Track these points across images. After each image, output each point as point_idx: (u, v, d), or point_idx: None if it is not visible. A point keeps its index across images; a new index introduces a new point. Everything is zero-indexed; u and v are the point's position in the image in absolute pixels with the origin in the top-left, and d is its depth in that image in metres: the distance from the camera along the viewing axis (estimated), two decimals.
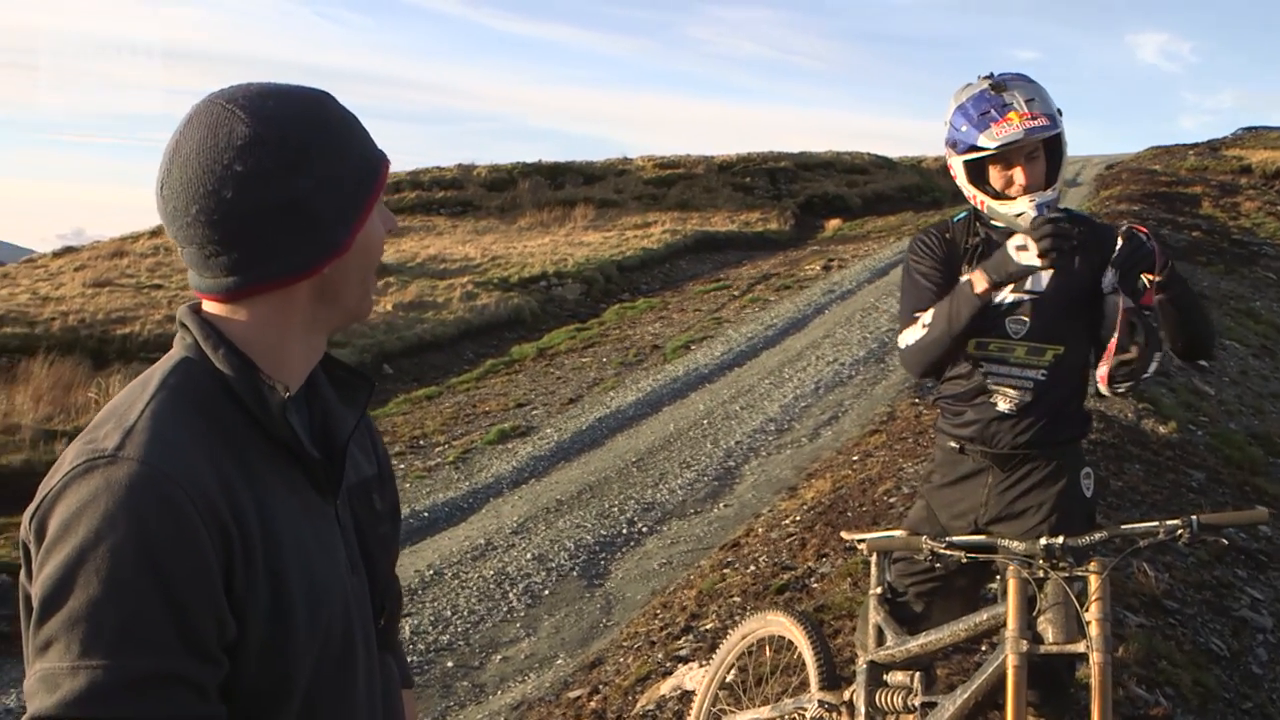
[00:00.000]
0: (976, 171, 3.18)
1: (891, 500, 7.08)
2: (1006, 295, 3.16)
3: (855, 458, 8.97)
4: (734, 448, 10.38)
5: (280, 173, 1.38)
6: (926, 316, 3.14)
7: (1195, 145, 54.14)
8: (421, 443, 11.66)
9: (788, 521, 7.50)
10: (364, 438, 1.73)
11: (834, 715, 3.24)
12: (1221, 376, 13.48)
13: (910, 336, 3.19)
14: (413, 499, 9.53)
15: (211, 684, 1.30)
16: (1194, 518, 2.60)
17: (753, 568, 6.66)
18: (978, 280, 3.00)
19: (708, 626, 5.77)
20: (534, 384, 14.37)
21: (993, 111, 3.07)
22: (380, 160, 1.54)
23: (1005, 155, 3.09)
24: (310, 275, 1.44)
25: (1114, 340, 2.90)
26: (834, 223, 32.79)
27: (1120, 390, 2.95)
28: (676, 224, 29.90)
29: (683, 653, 5.47)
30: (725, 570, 6.83)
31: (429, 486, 9.93)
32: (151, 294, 19.56)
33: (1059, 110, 3.15)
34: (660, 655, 5.56)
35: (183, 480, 1.29)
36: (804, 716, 3.37)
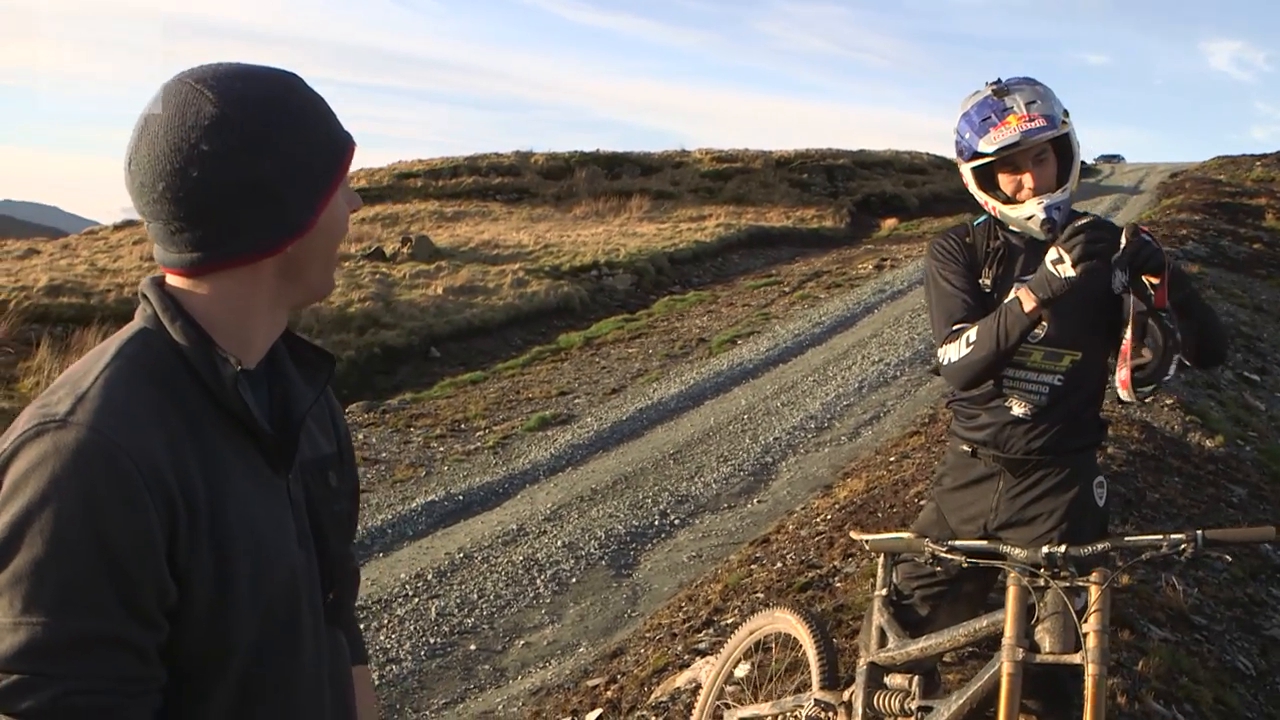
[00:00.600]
0: (986, 178, 3.16)
1: (923, 503, 7.02)
2: None
3: (892, 459, 8.92)
4: (772, 444, 10.35)
5: (246, 153, 1.40)
6: (972, 334, 3.08)
7: (1263, 156, 53.33)
8: (463, 427, 11.71)
9: (819, 520, 7.47)
10: (324, 416, 1.74)
11: (831, 715, 3.22)
12: (1275, 391, 13.28)
13: (954, 353, 3.14)
14: (449, 482, 9.58)
15: (151, 647, 1.32)
16: (1199, 532, 2.56)
17: (779, 565, 6.64)
18: (1026, 299, 2.96)
19: (728, 621, 5.76)
20: (579, 373, 14.40)
21: (993, 116, 3.06)
22: (346, 142, 1.55)
23: (1013, 160, 3.07)
24: (273, 254, 1.46)
25: (1127, 343, 2.87)
26: (890, 222, 32.66)
27: (1143, 394, 2.91)
28: (731, 218, 29.88)
29: (701, 646, 5.46)
30: (752, 566, 6.81)
31: (466, 470, 9.97)
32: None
33: (1066, 112, 3.11)
34: (679, 648, 5.56)
35: (130, 448, 1.31)
36: (801, 714, 3.35)
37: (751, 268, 24.53)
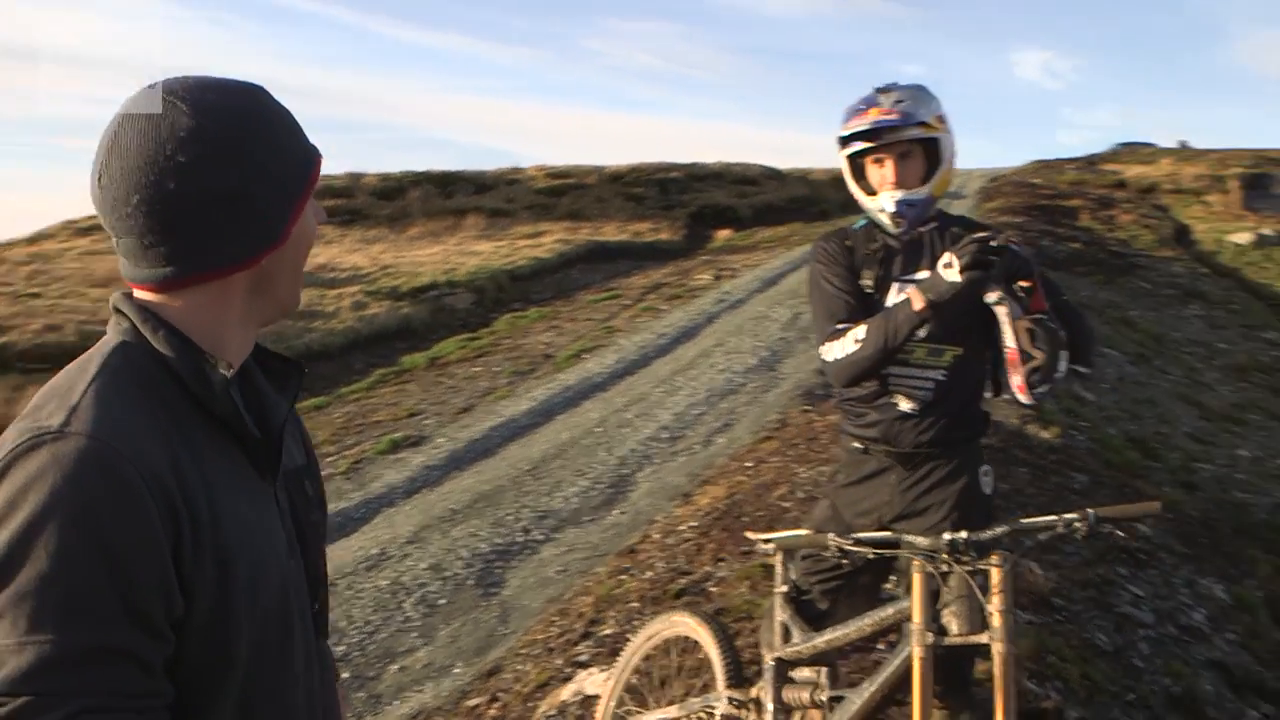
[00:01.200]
0: (858, 168, 3.28)
1: (786, 505, 7.15)
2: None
3: (749, 464, 9.05)
4: (628, 455, 10.40)
5: (222, 164, 1.41)
6: (860, 331, 3.17)
7: (1074, 160, 55.76)
8: None
9: (684, 527, 7.54)
10: (294, 428, 1.79)
11: (743, 712, 3.27)
12: (1100, 383, 13.87)
13: (839, 350, 3.23)
14: None
15: (158, 662, 1.30)
16: (1091, 511, 2.69)
17: (650, 573, 6.69)
18: (915, 299, 3.07)
19: (607, 632, 5.78)
20: (425, 393, 14.25)
21: (860, 106, 3.19)
22: (314, 154, 1.57)
23: (879, 156, 3.20)
24: (248, 266, 1.47)
25: (1014, 350, 2.98)
26: (724, 233, 33.07)
27: (1040, 395, 3.02)
28: (568, 233, 29.92)
29: (582, 658, 5.47)
30: (622, 576, 6.84)
31: None
32: (29, 302, 19.01)
33: (939, 117, 3.24)
34: (559, 661, 5.56)
35: (130, 455, 1.29)
36: (713, 714, 3.39)
37: (591, 282, 24.60)
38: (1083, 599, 5.94)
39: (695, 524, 7.48)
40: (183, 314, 1.46)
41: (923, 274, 3.25)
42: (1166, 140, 67.25)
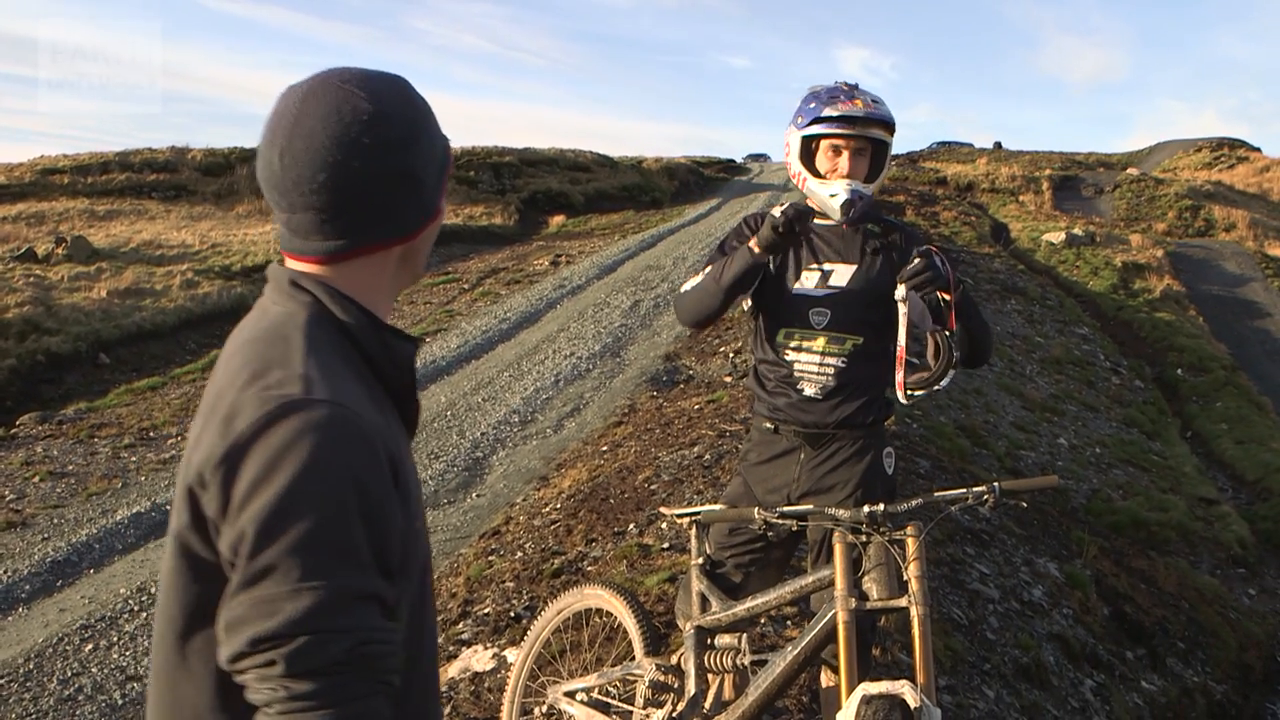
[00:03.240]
0: (808, 152, 3.44)
1: (653, 487, 7.32)
2: (811, 289, 3.42)
3: (605, 448, 9.21)
4: (480, 439, 10.46)
5: (400, 145, 1.54)
6: (703, 272, 3.42)
7: (896, 157, 57.26)
8: (152, 435, 11.24)
9: (548, 509, 7.65)
10: None
11: (668, 678, 3.41)
12: None
13: (688, 284, 3.49)
14: (152, 492, 9.20)
15: (394, 604, 1.44)
16: (996, 484, 2.92)
17: (520, 554, 6.78)
18: (754, 243, 3.31)
19: (485, 610, 5.86)
20: None
21: (842, 95, 3.36)
22: (447, 138, 1.70)
23: (837, 144, 3.37)
24: (412, 238, 1.62)
25: (901, 349, 3.19)
26: (558, 219, 33.20)
27: (914, 398, 3.24)
28: None
29: (464, 636, 5.54)
30: (491, 557, 6.92)
31: (166, 479, 9.59)
32: None
33: (894, 127, 3.45)
34: (440, 640, 5.62)
35: (366, 419, 1.43)
36: (633, 682, 3.52)
37: (428, 265, 24.32)
38: (938, 577, 6.26)
39: (560, 506, 7.60)
40: (349, 286, 1.57)
41: (829, 265, 3.44)
42: (982, 140, 69.85)
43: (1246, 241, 36.61)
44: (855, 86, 3.45)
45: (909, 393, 3.22)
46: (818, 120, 3.39)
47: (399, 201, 1.56)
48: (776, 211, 3.25)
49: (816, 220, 3.44)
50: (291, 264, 1.60)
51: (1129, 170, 52.28)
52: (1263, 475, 16.54)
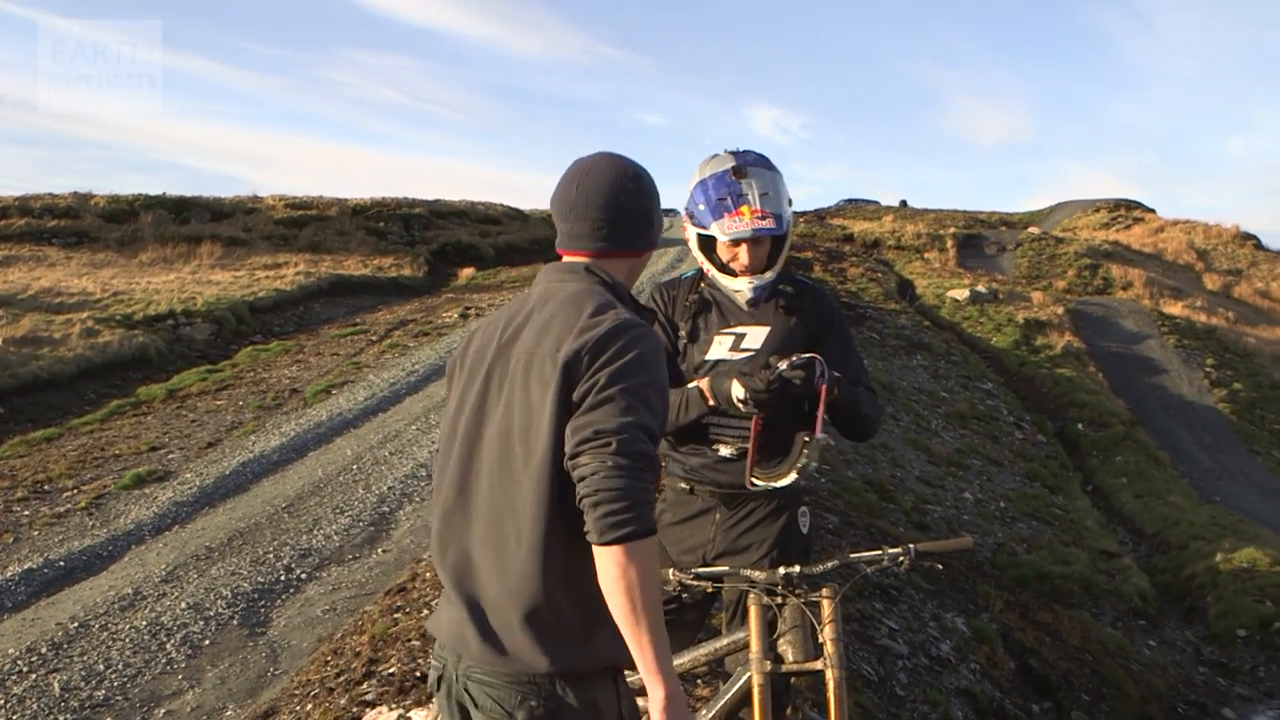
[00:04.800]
0: (707, 243, 3.43)
1: None
2: (725, 354, 3.41)
3: None
4: (387, 493, 10.30)
5: (646, 195, 2.56)
6: None
7: (804, 214, 58.10)
8: (46, 488, 10.91)
9: None
10: None
11: None
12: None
13: None
14: (45, 548, 8.90)
15: (657, 441, 2.29)
16: (912, 546, 2.91)
17: (426, 611, 6.66)
18: (706, 395, 3.32)
19: (391, 670, 5.73)
20: (166, 426, 13.72)
21: (729, 200, 3.33)
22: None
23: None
24: (640, 254, 2.61)
25: (752, 447, 3.22)
26: (467, 271, 33.05)
27: (757, 486, 3.28)
28: (309, 265, 29.32)
29: (368, 697, 5.40)
30: (396, 615, 6.79)
31: (61, 534, 9.31)
32: None
33: (790, 201, 3.44)
34: (344, 701, 5.47)
35: (659, 335, 2.63)
36: None
37: (335, 316, 24.20)
38: (848, 632, 6.24)
39: None
40: (611, 273, 2.52)
41: (741, 328, 3.43)
42: (889, 198, 70.96)
43: (1143, 299, 37.55)
44: (742, 171, 3.40)
45: (753, 481, 3.26)
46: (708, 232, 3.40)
47: (638, 227, 2.55)
48: (737, 402, 3.22)
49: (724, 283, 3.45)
50: (567, 259, 2.56)
51: (1030, 229, 53.46)
52: (1161, 528, 16.87)
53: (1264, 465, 22.77)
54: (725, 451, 3.41)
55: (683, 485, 3.50)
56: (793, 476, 3.25)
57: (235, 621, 7.27)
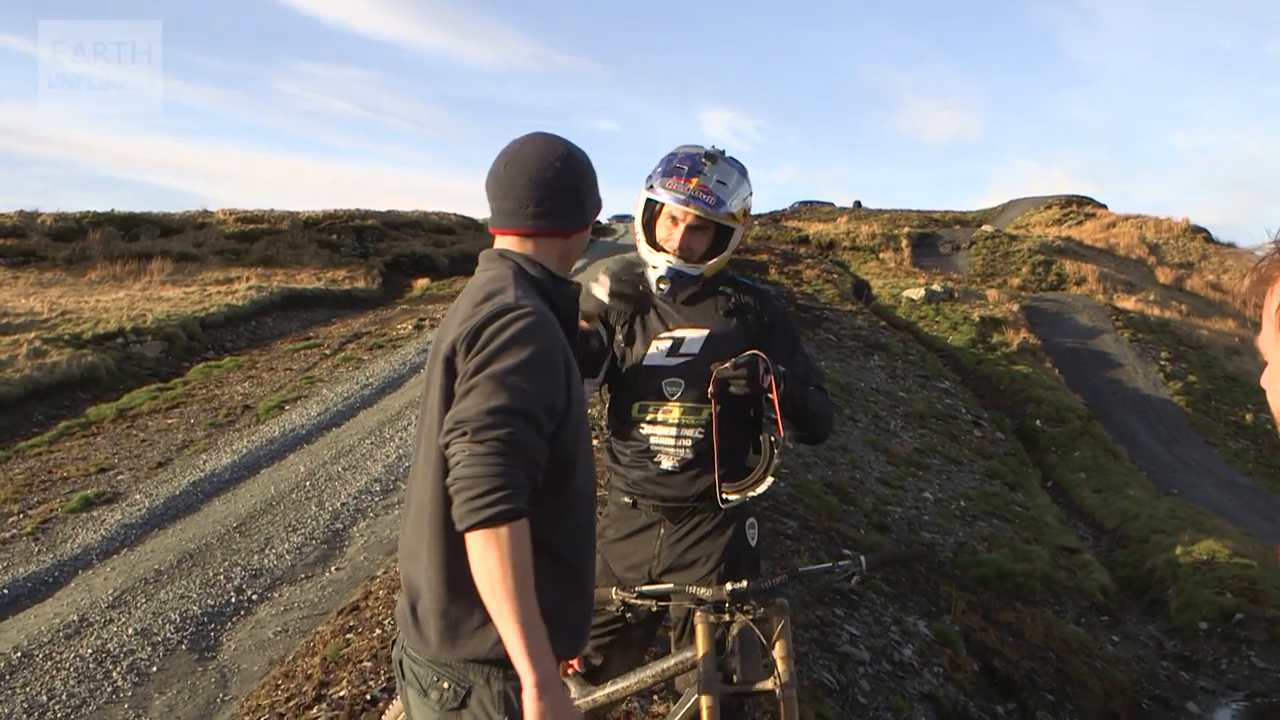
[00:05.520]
0: (650, 214, 3.33)
1: None
2: (662, 360, 3.30)
3: None
4: (340, 509, 10.14)
5: (576, 174, 2.55)
6: None
7: (759, 216, 58.17)
8: None
9: None
10: None
11: None
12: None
13: None
14: None
15: (547, 433, 2.31)
16: (862, 558, 2.82)
17: (379, 631, 6.52)
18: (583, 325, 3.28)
19: (341, 693, 5.59)
20: (116, 447, 13.48)
21: (685, 169, 3.24)
22: (601, 199, 2.69)
23: (674, 215, 3.26)
24: (571, 235, 2.58)
25: (716, 463, 3.13)
26: (422, 282, 32.83)
27: (730, 502, 3.19)
28: (261, 280, 29.02)
29: None
30: (349, 635, 6.64)
31: (4, 561, 9.07)
32: None
33: (745, 211, 3.34)
34: None
35: (550, 318, 2.39)
36: None
37: (287, 331, 23.93)
38: (808, 640, 6.16)
39: None
40: (534, 254, 2.53)
41: (679, 331, 3.33)
42: (843, 199, 71.18)
43: (1097, 295, 37.80)
44: (714, 159, 3.33)
45: (724, 497, 3.16)
46: (650, 188, 3.31)
47: (566, 207, 2.53)
48: (596, 289, 3.17)
49: (665, 286, 3.34)
50: (498, 241, 2.58)
51: (984, 227, 53.73)
52: (1121, 522, 16.92)
53: (1220, 456, 22.93)
54: (667, 464, 3.30)
55: (625, 500, 3.39)
56: (770, 481, 3.14)
57: (184, 646, 7.09)
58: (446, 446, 2.25)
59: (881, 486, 14.11)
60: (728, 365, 3.08)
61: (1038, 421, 22.82)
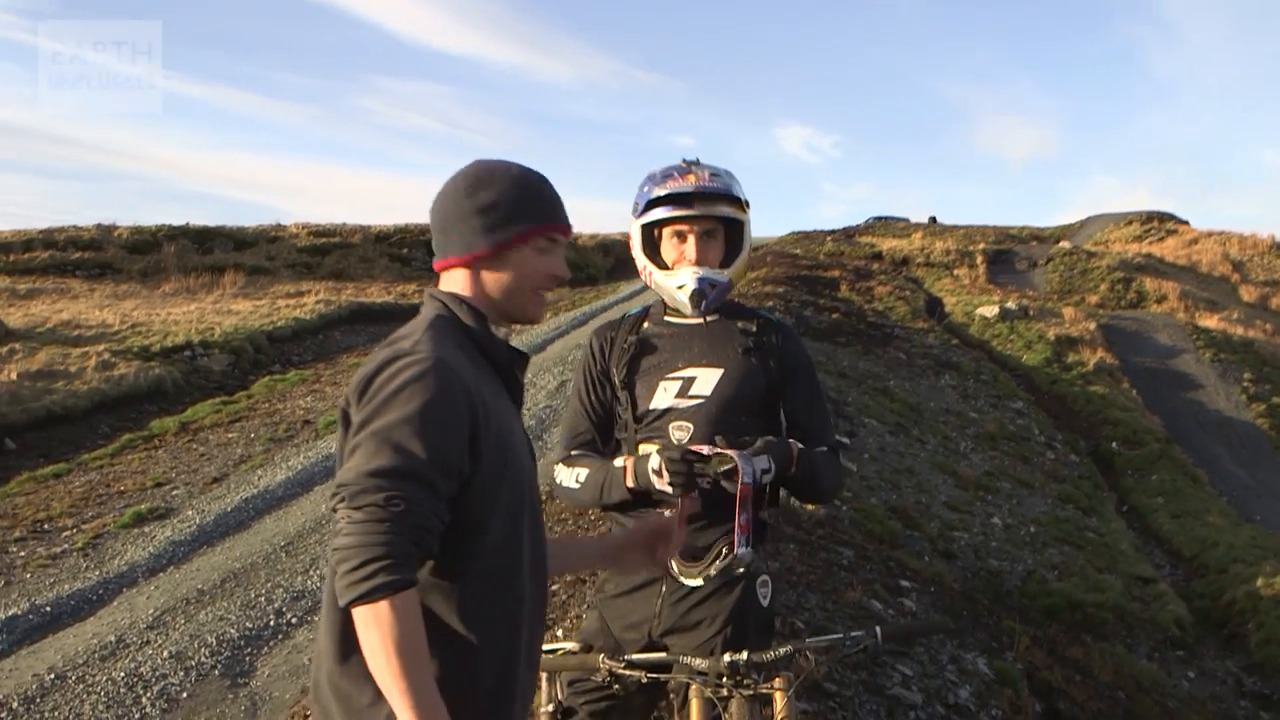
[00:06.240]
0: (652, 241, 3.08)
1: (555, 587, 6.90)
2: (672, 402, 3.05)
3: None
4: None
5: (480, 187, 2.34)
6: (582, 474, 3.08)
7: (833, 231, 57.79)
8: (46, 526, 10.66)
9: None
10: None
11: None
12: (862, 453, 14.12)
13: (565, 479, 3.15)
14: (33, 592, 8.61)
15: (444, 494, 2.07)
16: (877, 629, 2.56)
17: None
18: (628, 477, 2.96)
19: None
20: (175, 461, 13.49)
21: (675, 173, 3.01)
22: (541, 219, 2.38)
23: (680, 228, 3.02)
24: (478, 257, 2.33)
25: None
26: None
27: (689, 582, 2.93)
28: (331, 294, 29.21)
29: None
30: None
31: (53, 577, 9.03)
32: None
33: (746, 202, 3.08)
34: None
35: (452, 366, 2.14)
36: None
37: (354, 345, 23.99)
38: (854, 683, 5.87)
39: None
40: (461, 290, 2.36)
41: (690, 370, 3.07)
42: (918, 215, 70.46)
43: (1178, 313, 36.94)
44: (695, 161, 3.09)
45: (670, 565, 2.87)
46: (652, 204, 3.04)
47: (466, 229, 2.32)
48: (656, 480, 2.86)
49: (672, 319, 3.10)
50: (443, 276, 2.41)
51: (1061, 243, 52.88)
52: (1199, 551, 16.36)
53: None
54: (671, 514, 3.03)
55: None
56: (699, 582, 2.89)
57: (217, 672, 6.94)
58: (333, 511, 2.05)
59: (948, 511, 13.72)
60: (711, 450, 2.80)
61: (1114, 444, 22.22)
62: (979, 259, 44.92)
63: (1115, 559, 14.77)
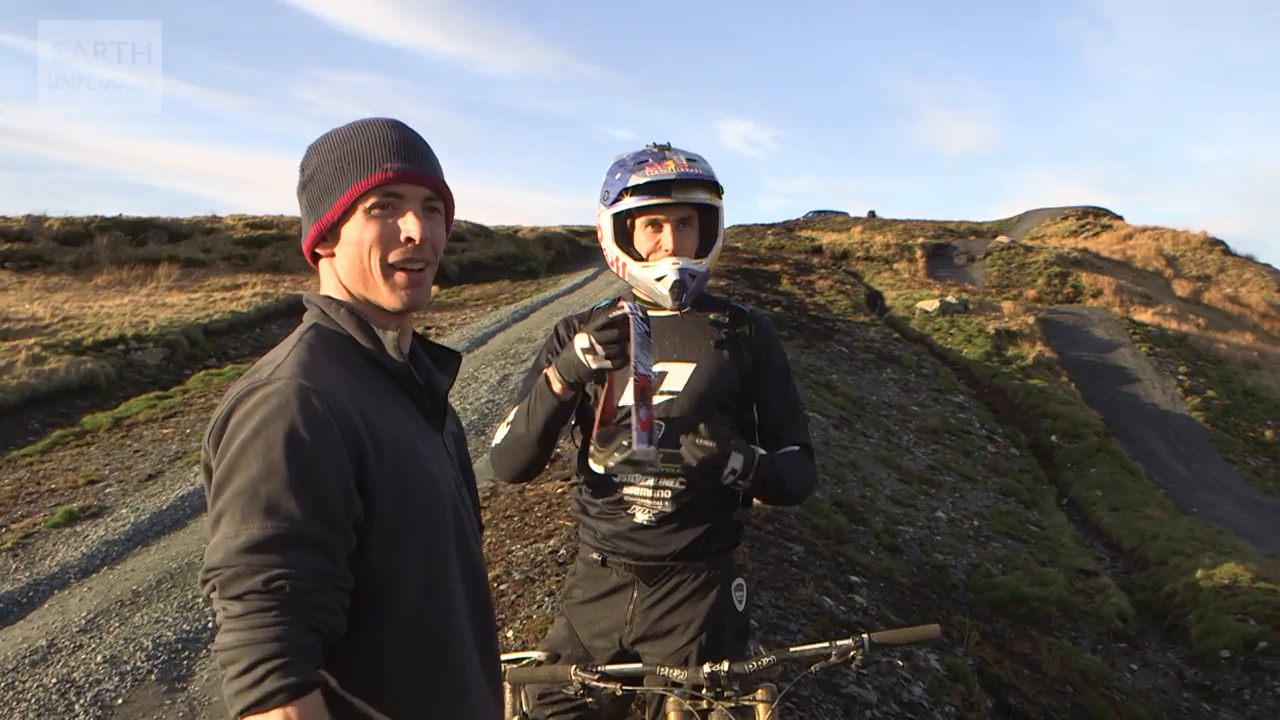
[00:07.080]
0: (624, 231, 2.93)
1: (503, 588, 6.76)
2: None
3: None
4: None
5: (307, 164, 1.99)
6: (511, 414, 2.89)
7: (773, 225, 57.88)
8: None
9: None
10: (450, 410, 2.19)
11: None
12: None
13: (499, 435, 2.96)
14: None
15: (340, 551, 1.71)
16: (865, 637, 2.44)
17: None
18: (553, 378, 2.76)
19: None
20: (108, 458, 13.15)
21: (650, 160, 2.85)
22: (368, 170, 1.92)
23: (656, 217, 2.87)
24: (310, 239, 2.00)
25: (602, 406, 2.71)
26: (432, 290, 32.51)
27: (610, 467, 2.77)
28: (268, 286, 28.74)
29: None
30: None
31: None
32: None
33: (720, 190, 2.95)
34: None
35: (320, 390, 1.75)
36: None
37: None
38: (810, 682, 5.78)
39: None
40: (330, 288, 2.00)
41: (662, 365, 2.94)
42: (857, 209, 70.82)
43: (1113, 307, 37.37)
44: (667, 146, 2.94)
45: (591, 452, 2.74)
46: (626, 192, 2.90)
47: (306, 208, 1.98)
48: (588, 358, 2.67)
49: (638, 292, 2.96)
50: None
51: (999, 238, 53.33)
52: (1139, 543, 16.50)
53: (1240, 474, 22.50)
54: (641, 518, 2.90)
55: (594, 556, 2.99)
56: (600, 470, 2.74)
57: (154, 676, 6.72)
58: (206, 603, 1.71)
59: (893, 505, 13.71)
60: (702, 442, 2.67)
61: (1053, 437, 22.39)
62: (918, 253, 45.20)
63: (1057, 552, 14.85)
